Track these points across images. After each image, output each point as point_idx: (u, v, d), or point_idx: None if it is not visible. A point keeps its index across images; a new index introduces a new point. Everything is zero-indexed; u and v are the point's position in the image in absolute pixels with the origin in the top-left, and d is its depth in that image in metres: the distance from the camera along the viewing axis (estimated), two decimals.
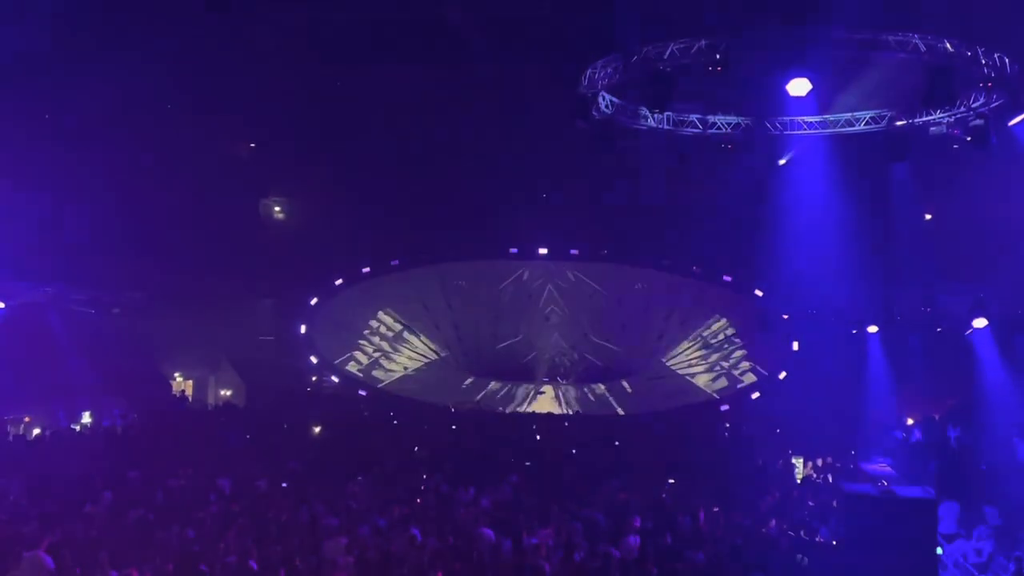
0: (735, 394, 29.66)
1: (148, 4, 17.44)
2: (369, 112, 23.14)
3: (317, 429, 23.81)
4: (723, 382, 30.28)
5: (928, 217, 21.97)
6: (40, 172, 20.11)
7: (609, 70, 16.32)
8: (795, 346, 27.74)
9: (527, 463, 19.37)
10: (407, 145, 24.32)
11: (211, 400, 30.56)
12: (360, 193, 26.76)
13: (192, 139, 23.32)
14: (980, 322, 21.47)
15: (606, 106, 17.35)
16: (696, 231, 24.60)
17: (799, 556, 11.87)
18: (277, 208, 30.01)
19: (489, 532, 12.15)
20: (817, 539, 13.36)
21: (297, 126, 24.06)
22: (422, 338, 32.01)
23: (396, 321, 32.00)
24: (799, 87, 15.36)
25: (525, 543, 11.68)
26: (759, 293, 28.96)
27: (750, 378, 29.81)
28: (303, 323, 30.99)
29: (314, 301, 31.23)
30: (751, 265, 26.48)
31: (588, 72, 16.68)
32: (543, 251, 30.49)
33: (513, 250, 30.66)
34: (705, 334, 30.75)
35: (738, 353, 30.27)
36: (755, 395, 29.00)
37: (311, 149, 25.00)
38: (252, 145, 27.02)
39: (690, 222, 24.35)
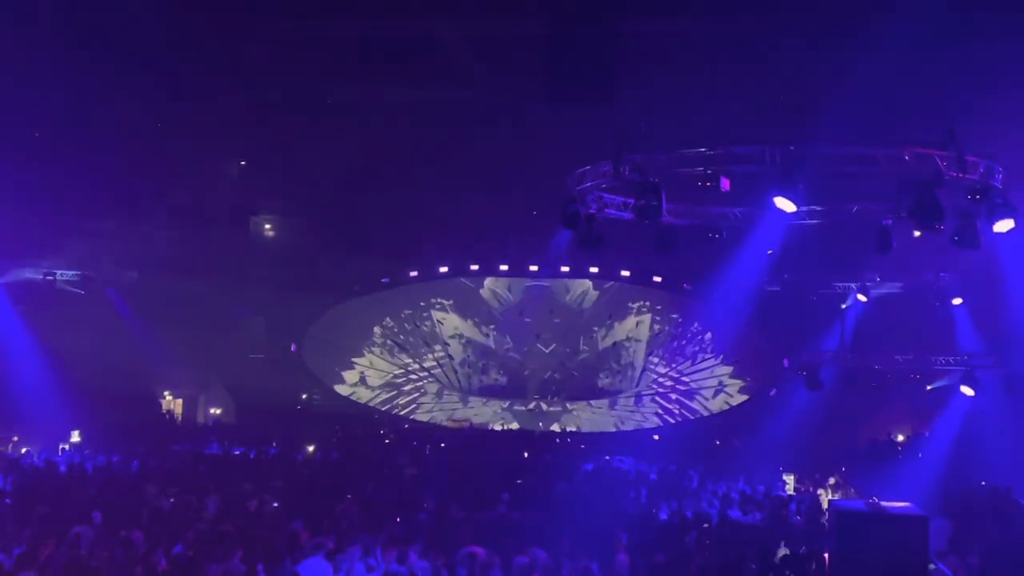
0: (726, 411, 29.70)
1: (137, 20, 17.40)
2: (360, 129, 23.14)
3: (310, 448, 23.78)
4: (714, 398, 30.30)
5: (917, 234, 22.07)
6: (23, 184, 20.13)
7: (597, 177, 16.33)
8: (784, 363, 27.77)
9: (518, 480, 19.32)
10: (398, 162, 24.33)
11: (200, 419, 30.44)
12: (350, 210, 26.76)
13: (181, 157, 23.30)
14: (967, 390, 21.93)
15: (593, 200, 17.42)
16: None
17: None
18: (267, 225, 29.98)
19: (480, 551, 12.10)
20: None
21: (287, 143, 24.05)
22: (412, 356, 31.94)
23: (386, 339, 31.95)
24: (785, 205, 15.42)
25: (517, 562, 11.63)
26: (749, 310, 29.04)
27: (741, 395, 29.84)
28: (293, 341, 30.97)
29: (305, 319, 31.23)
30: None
31: (577, 173, 16.74)
32: (533, 268, 30.54)
33: (503, 267, 30.69)
34: (695, 350, 30.76)
35: (728, 369, 30.30)
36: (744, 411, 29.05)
37: (301, 166, 24.98)
38: (242, 163, 26.98)
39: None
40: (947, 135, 14.29)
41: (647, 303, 30.89)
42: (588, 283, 30.99)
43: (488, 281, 31.49)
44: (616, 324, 31.14)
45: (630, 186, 15.82)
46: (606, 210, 17.68)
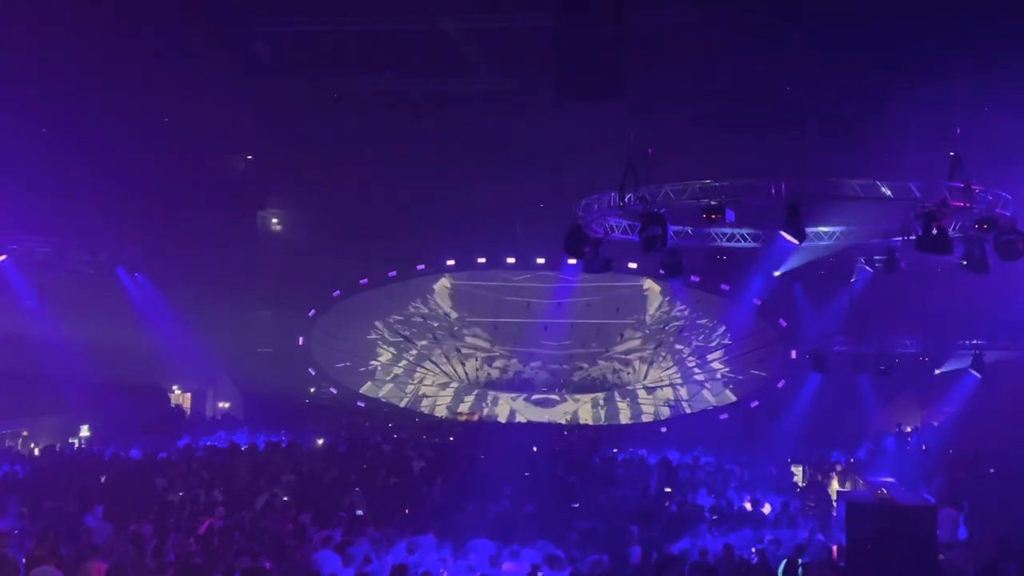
0: (734, 403, 29.67)
1: (143, 18, 17.45)
2: (366, 123, 23.17)
3: (319, 442, 23.83)
4: (722, 390, 30.26)
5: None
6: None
7: (604, 203, 16.32)
8: (793, 354, 27.72)
9: (525, 473, 19.31)
10: (403, 155, 24.35)
11: (209, 412, 30.52)
12: (357, 204, 26.78)
13: (189, 152, 23.33)
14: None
15: (599, 225, 17.38)
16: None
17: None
18: (275, 220, 30.03)
19: (487, 543, 12.09)
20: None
21: (294, 138, 24.08)
22: (420, 349, 31.96)
23: (393, 332, 31.96)
24: (792, 239, 15.46)
25: (525, 554, 11.61)
26: (757, 302, 28.99)
27: (746, 388, 29.78)
28: (301, 335, 31.01)
29: (312, 313, 31.26)
30: None
31: (583, 202, 16.73)
32: (541, 260, 30.48)
33: (510, 260, 30.64)
34: (703, 343, 30.70)
35: (737, 363, 30.23)
36: (754, 404, 29.00)
37: (308, 161, 25.02)
38: (249, 157, 27.03)
39: None
40: (953, 162, 14.26)
41: (656, 291, 30.87)
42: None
43: (493, 275, 31.44)
44: (624, 315, 31.12)
45: (635, 215, 15.87)
46: (613, 234, 17.69)
